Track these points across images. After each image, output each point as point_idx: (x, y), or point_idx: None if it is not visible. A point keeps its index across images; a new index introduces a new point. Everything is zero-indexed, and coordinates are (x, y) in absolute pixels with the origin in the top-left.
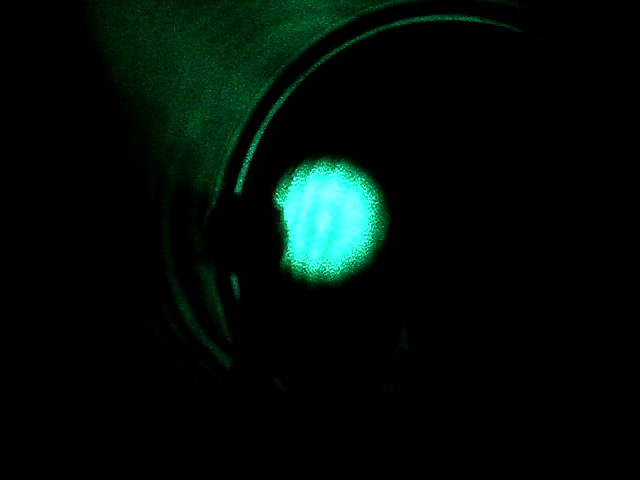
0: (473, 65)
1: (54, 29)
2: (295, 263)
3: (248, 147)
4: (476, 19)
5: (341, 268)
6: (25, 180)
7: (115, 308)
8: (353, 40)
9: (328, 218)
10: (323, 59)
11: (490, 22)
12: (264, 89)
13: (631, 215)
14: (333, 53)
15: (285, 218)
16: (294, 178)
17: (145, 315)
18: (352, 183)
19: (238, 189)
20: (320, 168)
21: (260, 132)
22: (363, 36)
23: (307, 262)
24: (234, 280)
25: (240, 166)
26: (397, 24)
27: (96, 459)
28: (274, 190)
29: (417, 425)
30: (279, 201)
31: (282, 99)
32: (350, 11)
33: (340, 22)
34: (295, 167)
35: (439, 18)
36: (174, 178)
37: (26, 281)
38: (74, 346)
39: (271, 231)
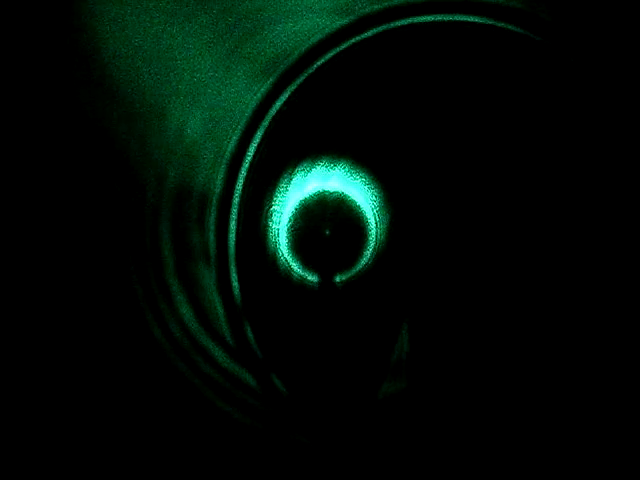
0: (473, 65)
1: (54, 29)
2: (295, 263)
3: (248, 147)
4: (476, 19)
5: (341, 268)
6: (25, 181)
7: (115, 308)
8: (353, 40)
9: (328, 217)
10: (323, 59)
11: (490, 22)
12: (264, 89)
13: (631, 215)
14: (333, 53)
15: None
16: (294, 178)
17: (145, 315)
18: (352, 182)
19: (238, 190)
20: (320, 167)
21: (260, 132)
22: (363, 36)
23: (307, 262)
24: (234, 280)
25: (240, 166)
26: (397, 24)
27: (96, 459)
28: (274, 190)
29: (417, 425)
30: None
31: (282, 99)
32: (350, 11)
33: (340, 22)
34: (295, 167)
35: (439, 18)
36: (174, 178)
37: (26, 281)
38: (74, 346)
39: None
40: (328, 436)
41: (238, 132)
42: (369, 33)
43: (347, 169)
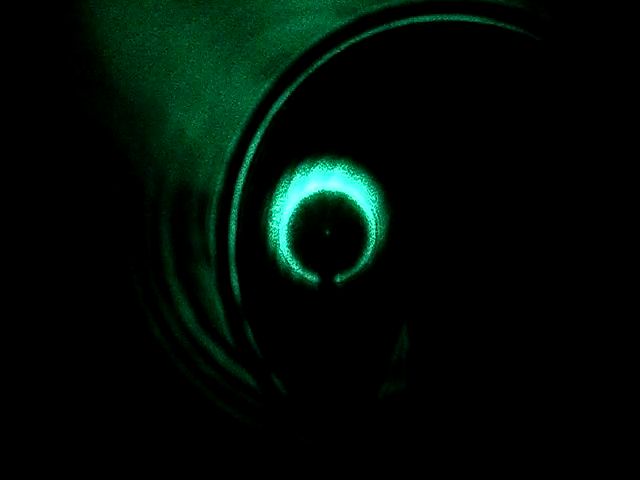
0: (473, 65)
1: (55, 28)
2: (295, 263)
3: (248, 147)
4: (476, 19)
5: (342, 267)
6: (24, 181)
7: (115, 308)
8: (353, 40)
9: (328, 217)
10: (323, 59)
11: (490, 22)
12: (264, 89)
13: (631, 215)
14: (333, 53)
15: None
16: (294, 178)
17: (145, 315)
18: (352, 182)
19: (238, 190)
20: (320, 168)
21: (260, 132)
22: (363, 36)
23: (307, 262)
24: (234, 280)
25: (240, 166)
26: (397, 24)
27: (96, 459)
28: (274, 190)
29: (418, 425)
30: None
31: (282, 99)
32: (350, 11)
33: (340, 22)
34: (295, 167)
35: (439, 18)
36: (174, 178)
37: (26, 281)
38: (74, 346)
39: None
40: (328, 436)
41: (238, 132)
42: (369, 33)
43: (347, 169)
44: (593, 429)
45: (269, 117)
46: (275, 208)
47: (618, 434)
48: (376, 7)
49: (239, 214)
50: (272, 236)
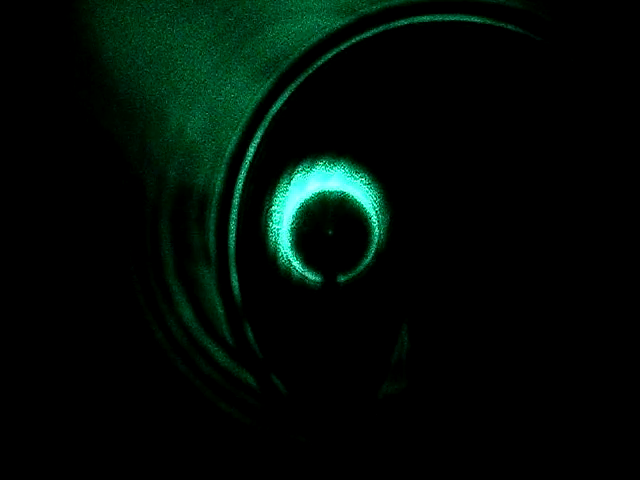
0: (473, 65)
1: (54, 28)
2: (295, 264)
3: (248, 147)
4: (476, 19)
5: (341, 268)
6: (24, 181)
7: (115, 308)
8: (353, 40)
9: (330, 217)
10: (323, 59)
11: (490, 22)
12: (264, 89)
13: (631, 215)
14: (333, 53)
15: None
16: (294, 178)
17: (145, 315)
18: (352, 183)
19: (238, 190)
20: (320, 168)
21: (260, 132)
22: (363, 36)
23: (309, 262)
24: (234, 280)
25: (240, 166)
26: (397, 24)
27: (96, 459)
28: (274, 190)
29: (418, 425)
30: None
31: (282, 99)
32: (350, 11)
33: (340, 22)
34: (295, 167)
35: (439, 18)
36: (174, 178)
37: (26, 281)
38: (74, 346)
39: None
40: (328, 436)
41: (238, 132)
42: (369, 33)
43: (347, 169)
44: (593, 429)
45: (269, 117)
46: (275, 208)
47: (618, 434)
48: (376, 7)
49: (239, 214)
50: (272, 236)
